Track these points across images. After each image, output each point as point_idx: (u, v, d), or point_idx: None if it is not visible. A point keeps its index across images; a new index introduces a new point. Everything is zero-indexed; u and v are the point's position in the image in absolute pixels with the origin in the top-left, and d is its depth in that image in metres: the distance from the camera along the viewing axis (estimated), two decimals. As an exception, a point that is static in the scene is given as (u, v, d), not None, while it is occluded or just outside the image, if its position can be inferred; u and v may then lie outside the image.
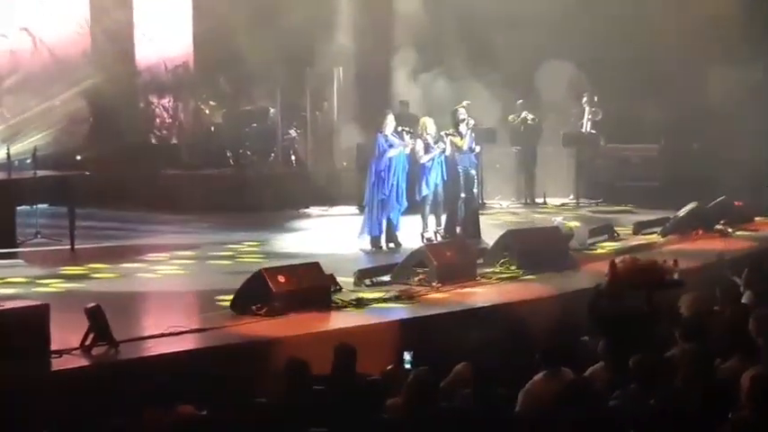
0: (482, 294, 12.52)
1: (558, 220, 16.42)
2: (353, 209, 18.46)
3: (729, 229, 16.62)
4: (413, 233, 15.70)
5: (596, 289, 10.69)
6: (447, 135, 15.79)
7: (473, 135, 16.11)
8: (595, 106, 20.83)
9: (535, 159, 20.91)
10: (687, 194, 17.35)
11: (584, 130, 20.99)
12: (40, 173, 15.60)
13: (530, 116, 20.86)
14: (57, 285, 12.73)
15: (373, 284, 12.66)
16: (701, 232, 16.35)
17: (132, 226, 17.50)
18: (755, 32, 19.74)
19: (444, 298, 12.24)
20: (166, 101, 22.04)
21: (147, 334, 10.14)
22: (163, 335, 10.00)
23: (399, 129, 15.45)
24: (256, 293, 11.12)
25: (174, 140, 22.13)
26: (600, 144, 21.19)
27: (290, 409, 7.78)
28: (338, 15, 20.69)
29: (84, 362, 9.18)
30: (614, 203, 20.09)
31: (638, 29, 20.48)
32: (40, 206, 15.75)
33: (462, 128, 15.91)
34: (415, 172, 15.74)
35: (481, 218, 16.60)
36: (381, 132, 15.31)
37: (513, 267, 13.46)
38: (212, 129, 21.92)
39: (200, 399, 8.12)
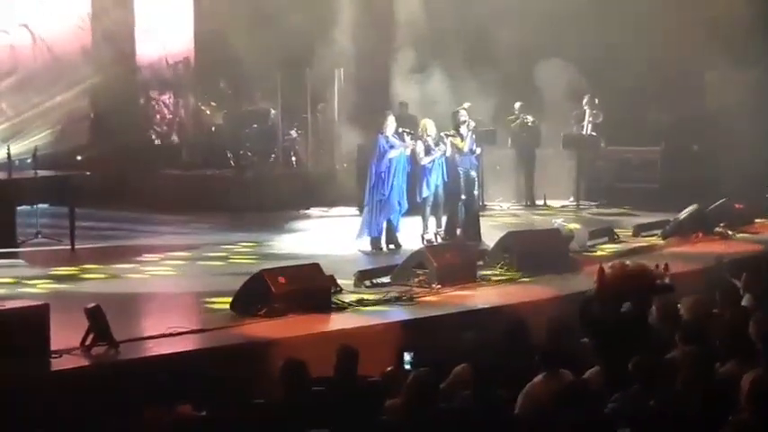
0: (482, 296, 12.53)
1: (558, 222, 16.39)
2: (354, 210, 18.42)
3: (730, 232, 16.61)
4: (413, 234, 15.70)
5: (585, 295, 10.67)
6: (447, 136, 15.79)
7: (474, 137, 16.12)
8: (596, 108, 20.80)
9: (534, 162, 20.87)
10: (687, 197, 17.33)
11: (584, 132, 20.97)
12: (41, 173, 15.62)
13: (529, 119, 20.83)
14: (57, 285, 12.73)
15: (373, 285, 12.67)
16: (701, 235, 16.32)
17: (132, 226, 17.49)
18: (756, 35, 19.72)
19: (444, 299, 12.23)
20: (167, 97, 22.04)
21: (146, 334, 10.14)
22: (163, 335, 10.00)
23: (400, 130, 15.45)
24: (257, 294, 11.12)
25: (175, 137, 22.11)
26: (600, 146, 21.13)
27: (290, 410, 7.78)
28: (338, 16, 20.65)
29: (84, 362, 9.20)
30: (615, 205, 20.05)
31: (638, 31, 20.46)
32: (40, 206, 15.74)
33: (463, 130, 15.90)
34: (416, 173, 15.73)
35: (481, 220, 16.58)
36: (382, 133, 15.30)
37: (513, 269, 13.46)
38: (213, 129, 21.92)
39: (200, 399, 8.12)
